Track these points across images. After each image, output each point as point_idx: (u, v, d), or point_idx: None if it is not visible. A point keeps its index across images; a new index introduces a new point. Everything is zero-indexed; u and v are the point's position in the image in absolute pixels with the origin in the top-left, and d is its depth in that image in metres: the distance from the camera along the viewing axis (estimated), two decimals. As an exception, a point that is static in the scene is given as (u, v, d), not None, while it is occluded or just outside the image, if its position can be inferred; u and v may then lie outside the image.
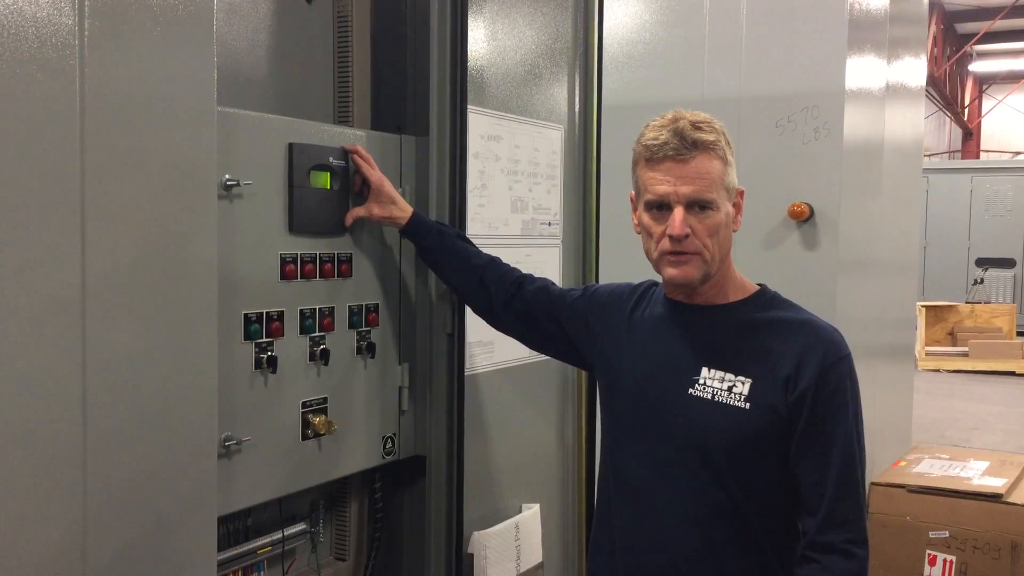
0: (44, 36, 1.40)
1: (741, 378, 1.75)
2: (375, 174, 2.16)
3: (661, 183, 1.73)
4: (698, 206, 1.73)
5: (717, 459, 1.75)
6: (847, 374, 1.75)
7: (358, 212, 2.16)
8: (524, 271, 2.21)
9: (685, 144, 1.72)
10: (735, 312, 1.82)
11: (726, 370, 1.77)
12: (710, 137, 1.73)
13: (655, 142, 1.74)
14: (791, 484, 1.76)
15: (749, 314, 1.81)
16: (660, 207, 1.75)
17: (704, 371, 1.78)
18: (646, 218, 1.79)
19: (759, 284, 1.88)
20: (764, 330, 1.78)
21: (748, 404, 1.73)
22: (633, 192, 1.86)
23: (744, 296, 1.84)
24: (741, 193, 1.82)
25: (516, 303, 2.14)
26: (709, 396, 1.76)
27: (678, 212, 1.72)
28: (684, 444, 1.78)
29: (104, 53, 1.48)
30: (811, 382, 1.71)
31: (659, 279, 1.93)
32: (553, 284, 2.18)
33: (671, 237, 1.73)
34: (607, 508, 1.92)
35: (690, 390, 1.78)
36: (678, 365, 1.82)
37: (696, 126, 1.73)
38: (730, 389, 1.75)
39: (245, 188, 1.89)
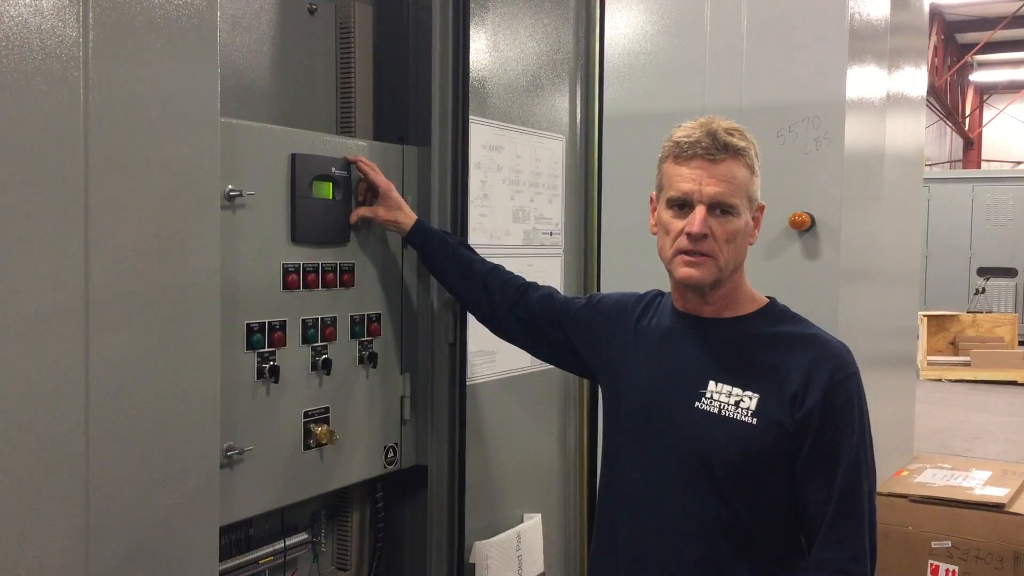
0: (49, 47, 1.41)
1: (748, 393, 1.73)
2: (382, 179, 2.17)
3: (687, 180, 1.72)
4: (720, 209, 1.71)
5: (722, 474, 1.73)
6: (855, 391, 1.73)
7: (364, 212, 2.17)
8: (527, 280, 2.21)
9: (717, 145, 1.70)
10: (744, 325, 1.80)
11: (733, 384, 1.75)
12: (741, 143, 1.72)
13: (687, 139, 1.72)
14: (796, 500, 1.74)
15: (758, 328, 1.79)
16: (682, 205, 1.73)
17: (711, 384, 1.76)
18: (666, 215, 1.76)
19: (768, 297, 1.86)
20: (773, 345, 1.76)
21: (755, 419, 1.71)
22: (654, 191, 1.84)
23: (753, 309, 1.82)
24: (761, 208, 1.81)
25: (519, 310, 2.13)
26: (716, 410, 1.74)
27: (700, 211, 1.70)
28: (689, 458, 1.76)
29: (108, 64, 1.49)
30: (818, 400, 1.69)
31: (665, 289, 1.93)
32: (558, 292, 2.17)
33: (689, 235, 1.71)
34: (610, 517, 1.91)
35: (696, 403, 1.76)
36: (685, 378, 1.80)
37: (729, 131, 1.72)
38: (737, 404, 1.73)
39: (248, 198, 1.89)
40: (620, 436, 1.91)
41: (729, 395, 1.74)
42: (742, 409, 1.72)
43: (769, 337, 1.78)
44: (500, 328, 2.20)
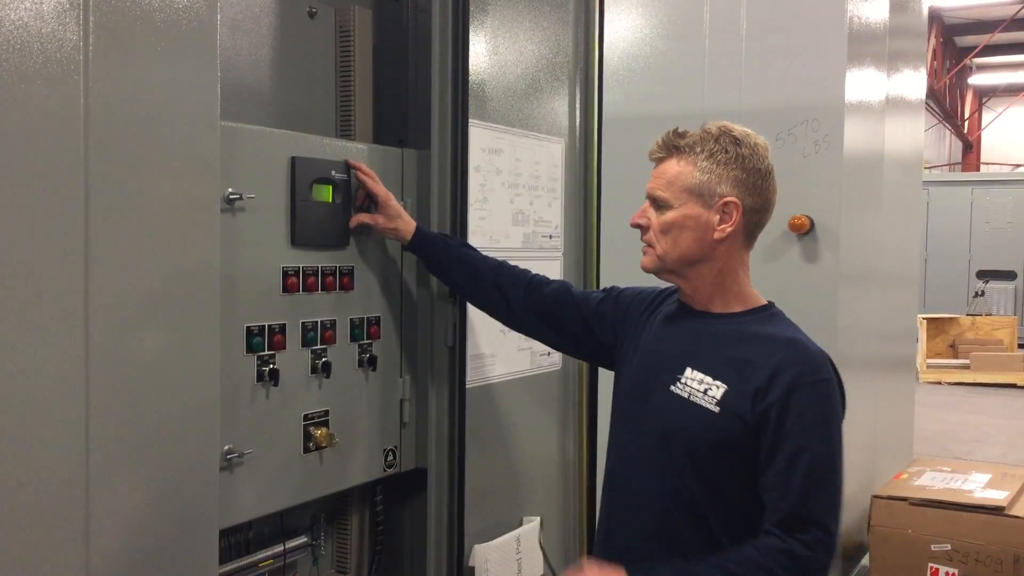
0: (49, 51, 1.41)
1: (718, 382, 1.79)
2: (381, 189, 2.18)
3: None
4: (654, 203, 1.85)
5: (681, 456, 1.80)
6: (821, 397, 1.74)
7: (364, 218, 2.17)
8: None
9: (660, 147, 1.85)
10: (731, 322, 1.86)
11: (705, 372, 1.81)
12: (683, 142, 1.82)
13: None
14: (756, 490, 1.77)
15: (743, 326, 1.85)
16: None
17: (687, 371, 1.83)
18: None
19: (768, 301, 1.91)
20: (751, 342, 1.81)
21: (718, 408, 1.77)
22: None
23: (745, 308, 1.88)
24: (730, 203, 1.80)
25: (535, 305, 2.16)
26: (686, 395, 1.81)
27: (644, 205, 1.87)
28: (657, 438, 1.84)
29: (108, 68, 1.49)
30: (778, 397, 1.72)
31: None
32: (572, 286, 2.20)
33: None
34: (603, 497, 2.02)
35: (671, 387, 1.84)
36: (667, 363, 1.87)
37: (680, 134, 1.83)
38: (705, 391, 1.79)
39: (248, 201, 1.89)
40: (613, 414, 1.99)
41: (700, 382, 1.81)
42: (708, 397, 1.78)
43: (750, 335, 1.82)
44: (519, 324, 2.23)
